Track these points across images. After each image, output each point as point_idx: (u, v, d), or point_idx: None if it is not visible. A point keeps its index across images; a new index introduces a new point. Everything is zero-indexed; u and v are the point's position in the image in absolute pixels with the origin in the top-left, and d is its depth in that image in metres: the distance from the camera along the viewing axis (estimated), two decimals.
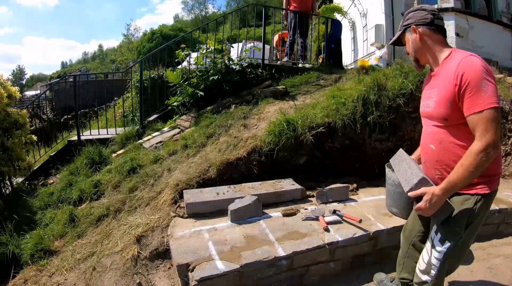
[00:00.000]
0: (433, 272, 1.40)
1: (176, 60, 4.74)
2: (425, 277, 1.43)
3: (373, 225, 2.23)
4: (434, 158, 1.42)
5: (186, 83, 4.36)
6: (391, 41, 1.57)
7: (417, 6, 1.48)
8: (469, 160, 1.22)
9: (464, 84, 1.22)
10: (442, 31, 1.41)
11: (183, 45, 4.49)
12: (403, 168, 1.51)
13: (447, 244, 1.36)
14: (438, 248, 1.38)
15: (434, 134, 1.41)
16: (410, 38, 1.44)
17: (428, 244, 1.44)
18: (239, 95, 4.22)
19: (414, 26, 1.41)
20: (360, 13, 8.12)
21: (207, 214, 2.37)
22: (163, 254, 2.18)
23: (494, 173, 1.35)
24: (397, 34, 1.52)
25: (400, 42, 1.54)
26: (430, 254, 1.41)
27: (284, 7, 5.46)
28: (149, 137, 4.14)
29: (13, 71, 47.05)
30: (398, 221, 2.31)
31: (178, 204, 2.51)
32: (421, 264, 1.46)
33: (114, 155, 3.97)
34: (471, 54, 1.28)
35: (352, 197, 2.75)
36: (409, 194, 1.37)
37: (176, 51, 4.55)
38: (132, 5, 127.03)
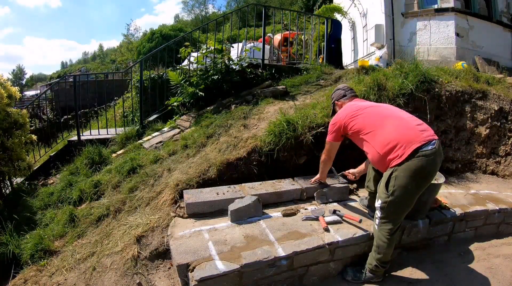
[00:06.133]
0: (378, 213, 2.00)
1: (178, 56, 4.72)
2: (378, 212, 2.00)
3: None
4: None
5: (187, 83, 4.36)
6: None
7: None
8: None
9: None
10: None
11: (187, 43, 4.50)
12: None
13: (379, 201, 1.97)
14: (377, 201, 2.00)
15: None
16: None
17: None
18: (239, 95, 4.22)
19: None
20: (360, 13, 8.12)
21: (207, 214, 2.37)
22: (163, 254, 2.18)
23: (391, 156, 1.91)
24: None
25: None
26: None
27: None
28: (149, 137, 4.14)
29: (13, 71, 46.76)
30: None
31: (178, 204, 2.50)
32: (377, 202, 2.02)
33: (114, 155, 3.98)
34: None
35: (352, 197, 2.76)
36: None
37: (180, 49, 4.55)
38: (131, 5, 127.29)
